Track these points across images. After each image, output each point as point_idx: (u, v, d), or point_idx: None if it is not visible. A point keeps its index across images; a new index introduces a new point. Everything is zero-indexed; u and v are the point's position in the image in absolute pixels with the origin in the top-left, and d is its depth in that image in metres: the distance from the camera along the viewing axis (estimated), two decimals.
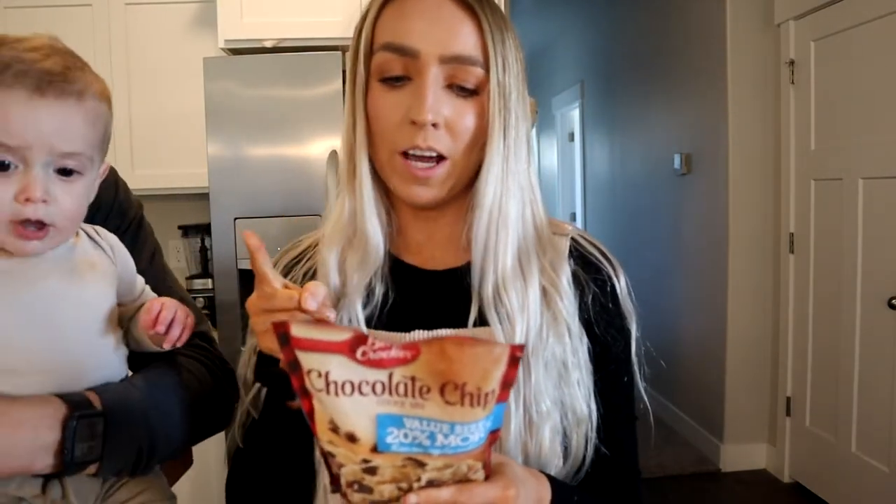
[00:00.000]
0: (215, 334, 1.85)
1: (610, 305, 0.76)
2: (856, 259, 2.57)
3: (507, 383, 0.51)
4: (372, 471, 0.53)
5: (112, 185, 0.86)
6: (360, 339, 0.50)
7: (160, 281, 0.87)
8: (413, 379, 0.50)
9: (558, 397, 0.72)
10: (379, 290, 0.75)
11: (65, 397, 0.67)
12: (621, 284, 0.77)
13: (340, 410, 0.51)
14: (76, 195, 0.69)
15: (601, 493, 0.75)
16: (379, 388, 0.50)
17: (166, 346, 0.75)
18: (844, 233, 2.62)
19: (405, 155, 0.70)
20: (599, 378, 0.75)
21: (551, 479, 0.67)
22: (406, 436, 0.51)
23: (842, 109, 2.63)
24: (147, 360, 0.80)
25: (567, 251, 0.77)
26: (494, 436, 0.54)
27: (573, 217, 5.95)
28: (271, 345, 0.62)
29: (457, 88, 0.70)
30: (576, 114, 5.61)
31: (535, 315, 0.72)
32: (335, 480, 0.55)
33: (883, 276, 2.44)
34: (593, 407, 0.74)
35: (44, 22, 2.39)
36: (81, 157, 0.68)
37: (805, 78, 2.81)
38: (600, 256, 0.78)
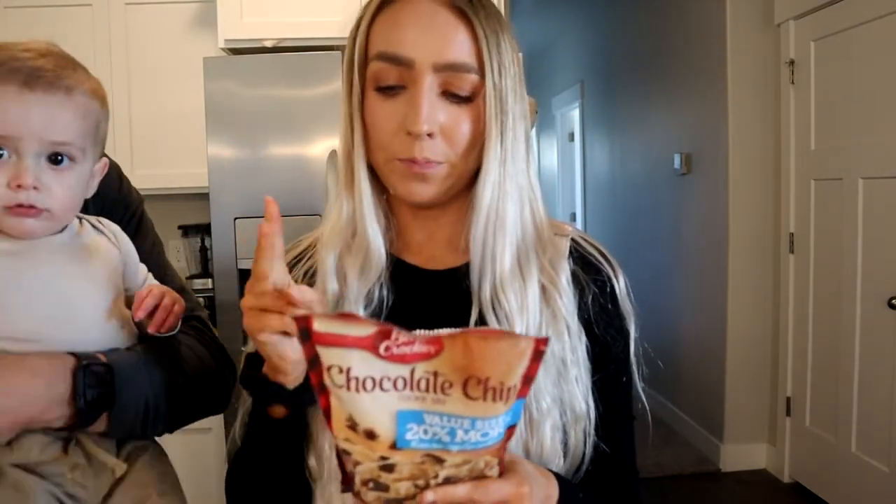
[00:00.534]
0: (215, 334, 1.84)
1: (609, 306, 0.76)
2: (856, 259, 2.57)
3: (529, 378, 0.51)
4: (389, 468, 0.52)
5: (116, 180, 0.90)
6: (385, 334, 0.49)
7: (161, 271, 0.90)
8: (435, 374, 0.49)
9: (557, 395, 0.72)
10: (380, 292, 0.75)
11: (72, 353, 0.72)
12: (620, 285, 0.78)
13: (360, 407, 0.50)
14: (67, 184, 0.73)
15: (602, 491, 0.75)
16: (400, 383, 0.50)
17: (151, 331, 0.78)
18: (844, 233, 2.62)
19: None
20: (599, 378, 0.75)
21: (558, 476, 0.67)
22: (426, 432, 0.51)
23: (842, 109, 2.63)
24: None
25: (567, 251, 0.77)
26: (511, 431, 0.54)
27: (573, 217, 5.96)
28: (261, 346, 0.63)
29: (451, 96, 0.70)
30: (576, 114, 5.62)
31: (534, 314, 0.72)
32: (348, 480, 0.54)
33: (883, 276, 2.44)
34: (591, 404, 0.74)
35: (44, 22, 2.39)
36: (71, 146, 0.72)
37: (805, 78, 2.81)
38: (600, 257, 0.79)
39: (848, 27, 2.56)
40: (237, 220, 2.19)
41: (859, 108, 2.54)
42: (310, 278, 0.78)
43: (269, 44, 2.32)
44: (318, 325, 0.49)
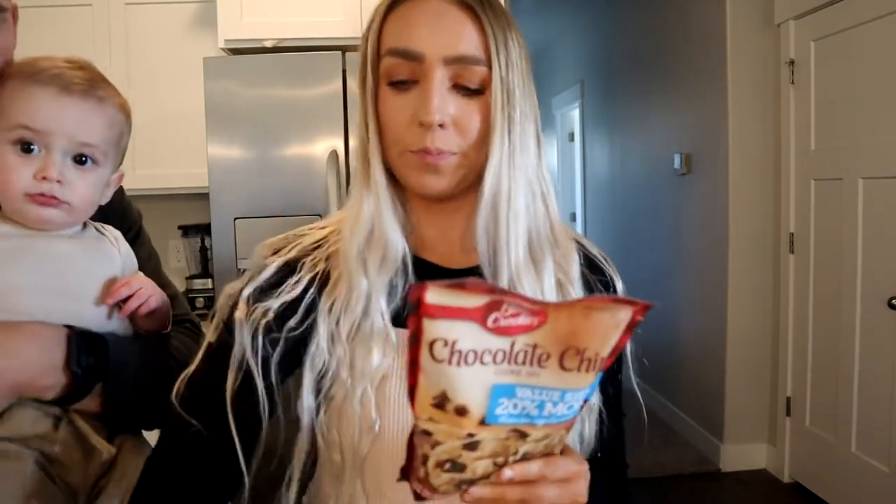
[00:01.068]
0: None
1: None
2: (856, 259, 2.57)
3: (617, 349, 0.50)
4: (473, 446, 0.50)
5: (119, 191, 0.96)
6: (495, 305, 0.47)
7: (156, 282, 0.92)
8: (535, 346, 0.48)
9: None
10: (401, 287, 0.75)
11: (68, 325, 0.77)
12: (620, 288, 0.82)
13: (456, 382, 0.48)
14: (89, 182, 0.80)
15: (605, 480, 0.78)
16: (500, 356, 0.48)
17: (121, 316, 0.83)
18: (844, 233, 2.62)
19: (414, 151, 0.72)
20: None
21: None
22: (515, 406, 0.50)
23: (842, 109, 2.63)
24: None
25: (575, 250, 0.80)
26: (583, 406, 0.54)
27: (573, 217, 5.96)
28: None
29: (462, 88, 0.71)
30: (576, 114, 5.62)
31: None
32: (411, 467, 0.53)
33: (883, 276, 2.44)
34: (599, 395, 0.77)
35: (44, 22, 2.39)
36: (96, 149, 0.80)
37: (805, 78, 2.81)
38: (602, 259, 0.83)
39: (848, 27, 2.56)
40: (237, 220, 2.19)
41: (859, 108, 2.54)
42: (332, 262, 0.77)
43: (268, 44, 2.32)
44: (430, 297, 0.45)
